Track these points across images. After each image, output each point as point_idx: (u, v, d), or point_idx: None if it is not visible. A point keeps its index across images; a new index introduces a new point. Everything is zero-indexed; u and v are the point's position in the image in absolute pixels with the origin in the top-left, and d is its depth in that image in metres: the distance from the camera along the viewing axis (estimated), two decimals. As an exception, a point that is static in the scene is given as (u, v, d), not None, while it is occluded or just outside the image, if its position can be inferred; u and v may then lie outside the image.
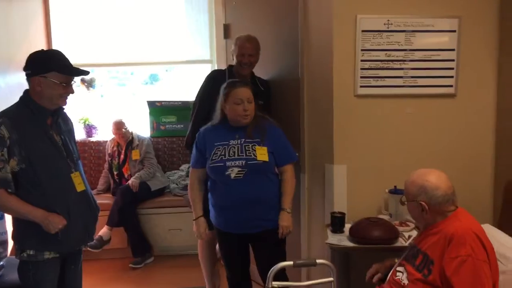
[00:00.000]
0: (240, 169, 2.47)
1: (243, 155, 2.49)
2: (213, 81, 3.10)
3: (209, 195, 2.62)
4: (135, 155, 4.43)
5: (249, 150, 2.51)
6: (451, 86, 2.87)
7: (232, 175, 2.46)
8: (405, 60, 2.84)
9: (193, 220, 2.65)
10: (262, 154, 2.51)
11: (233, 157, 2.48)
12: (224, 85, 2.57)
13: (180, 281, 3.83)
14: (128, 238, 4.25)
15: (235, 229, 2.57)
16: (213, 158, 2.50)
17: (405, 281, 1.98)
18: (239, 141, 2.53)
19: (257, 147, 2.52)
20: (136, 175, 4.33)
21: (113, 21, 4.69)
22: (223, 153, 2.50)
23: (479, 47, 2.87)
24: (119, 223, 4.16)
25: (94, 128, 4.86)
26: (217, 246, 3.14)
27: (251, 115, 2.53)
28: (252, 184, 2.49)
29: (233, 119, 2.53)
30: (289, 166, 2.59)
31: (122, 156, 4.46)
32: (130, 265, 4.13)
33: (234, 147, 2.51)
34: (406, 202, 2.05)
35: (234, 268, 2.70)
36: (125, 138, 4.45)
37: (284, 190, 2.58)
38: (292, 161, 2.63)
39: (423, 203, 1.94)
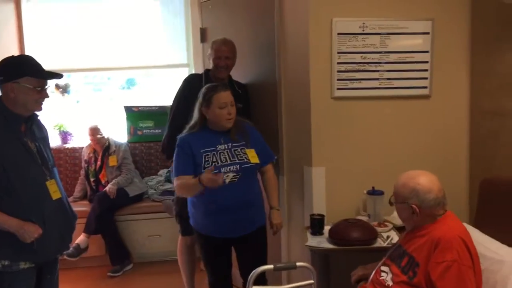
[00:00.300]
0: (235, 174, 2.46)
1: (235, 160, 2.48)
2: (190, 85, 3.09)
3: (193, 201, 2.57)
4: (112, 161, 4.38)
5: (240, 154, 2.51)
6: (425, 87, 2.92)
7: (227, 180, 2.44)
8: (380, 62, 2.87)
9: (199, 182, 2.35)
10: (253, 156, 2.53)
11: (226, 163, 2.46)
12: (204, 90, 2.53)
13: (160, 288, 3.79)
14: (106, 246, 4.18)
15: (223, 233, 2.54)
16: (206, 166, 2.45)
17: (390, 283, 1.98)
18: (226, 145, 2.51)
19: (246, 150, 2.53)
20: (114, 181, 4.27)
21: (88, 25, 4.62)
22: (214, 160, 2.46)
23: (452, 49, 2.92)
24: (96, 231, 4.09)
25: (70, 134, 4.77)
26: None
27: (234, 119, 2.52)
28: (245, 187, 2.52)
29: (217, 123, 2.51)
30: (270, 165, 2.64)
31: (98, 163, 4.39)
32: (109, 273, 4.07)
33: (224, 152, 2.49)
34: (394, 203, 2.03)
35: (218, 272, 2.66)
36: (101, 144, 4.39)
37: (270, 189, 2.64)
38: (272, 160, 2.69)
39: (414, 206, 1.93)
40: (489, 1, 2.72)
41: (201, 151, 2.48)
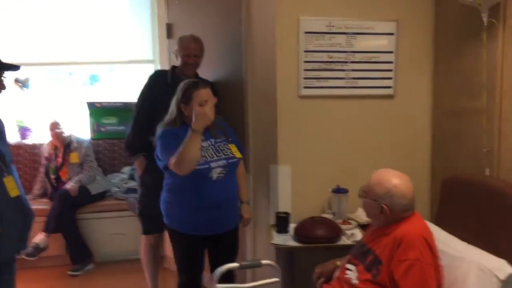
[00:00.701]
0: (222, 169, 2.43)
1: (221, 155, 2.46)
2: (155, 82, 3.05)
3: (172, 199, 2.49)
4: (74, 158, 4.27)
5: (225, 149, 2.49)
6: (390, 87, 2.97)
7: (215, 176, 2.41)
8: (346, 62, 2.90)
9: (194, 133, 2.28)
10: (236, 151, 2.52)
11: (214, 158, 2.43)
12: (184, 86, 2.45)
13: (123, 288, 3.72)
14: (67, 245, 4.07)
15: (205, 231, 2.49)
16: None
17: (355, 280, 1.99)
18: (208, 142, 2.48)
19: (229, 145, 2.52)
20: (75, 178, 4.17)
21: (50, 18, 4.48)
22: (203, 154, 2.41)
23: (416, 50, 2.98)
24: (56, 229, 3.97)
25: (29, 130, 4.62)
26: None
27: (213, 115, 2.46)
28: (229, 182, 2.50)
29: None
30: (241, 160, 2.61)
31: (59, 160, 4.28)
32: (69, 272, 3.96)
33: (209, 149, 2.46)
34: (363, 197, 2.03)
35: (192, 271, 2.58)
36: (61, 140, 4.28)
37: (241, 183, 2.63)
38: (244, 154, 2.66)
39: (385, 206, 1.93)
40: (452, 3, 2.78)
41: None
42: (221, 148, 2.49)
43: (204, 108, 2.35)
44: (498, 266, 1.90)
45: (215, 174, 2.40)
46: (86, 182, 4.21)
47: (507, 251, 1.96)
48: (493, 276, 1.89)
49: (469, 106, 2.66)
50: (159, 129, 2.47)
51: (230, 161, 2.47)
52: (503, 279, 1.86)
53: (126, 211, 4.22)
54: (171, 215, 2.50)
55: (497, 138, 2.45)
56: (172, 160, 2.32)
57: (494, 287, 1.88)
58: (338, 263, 2.25)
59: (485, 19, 2.34)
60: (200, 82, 2.48)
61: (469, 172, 2.58)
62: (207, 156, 2.42)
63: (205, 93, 2.41)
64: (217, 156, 2.44)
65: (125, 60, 4.73)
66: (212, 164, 2.40)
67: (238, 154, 2.52)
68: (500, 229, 2.03)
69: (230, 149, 2.51)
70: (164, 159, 2.39)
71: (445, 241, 2.19)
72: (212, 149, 2.46)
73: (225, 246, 2.60)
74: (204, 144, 2.45)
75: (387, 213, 1.93)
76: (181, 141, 2.34)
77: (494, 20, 2.37)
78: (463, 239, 2.17)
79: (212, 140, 2.50)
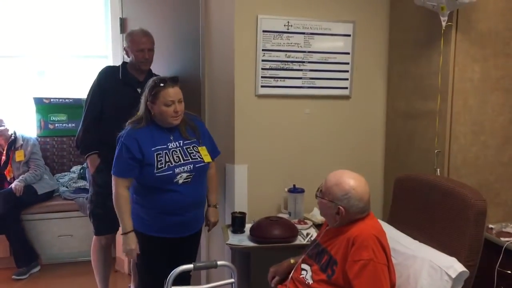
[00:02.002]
0: (188, 174, 2.35)
1: (189, 159, 2.37)
2: (105, 78, 2.95)
3: (141, 202, 2.39)
4: (19, 156, 4.09)
5: (193, 153, 2.40)
6: (346, 88, 3.00)
7: (181, 181, 2.33)
8: (304, 62, 2.91)
9: (123, 234, 2.34)
10: (205, 155, 2.44)
11: (179, 163, 2.34)
12: (151, 83, 2.35)
13: (71, 291, 3.59)
14: (11, 247, 3.89)
15: (172, 234, 2.42)
16: (159, 166, 2.30)
17: (310, 281, 1.99)
18: (177, 143, 2.39)
19: (199, 148, 2.43)
20: (21, 177, 3.99)
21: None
22: (167, 160, 2.32)
23: (372, 52, 3.04)
24: (0, 231, 3.79)
25: (-29, 126, 4.38)
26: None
27: (182, 115, 2.38)
28: (198, 186, 2.43)
29: (163, 120, 2.35)
30: (213, 162, 2.55)
31: (3, 157, 4.09)
32: (13, 276, 3.79)
33: (176, 151, 2.36)
34: (320, 197, 2.02)
35: (158, 274, 2.44)
36: (5, 137, 4.10)
37: (212, 186, 2.58)
38: (218, 155, 2.60)
39: (341, 208, 1.92)
40: (406, 6, 2.84)
41: (152, 149, 2.32)
42: (190, 151, 2.40)
43: (134, 251, 2.35)
44: (449, 264, 1.94)
45: (180, 179, 2.34)
46: (32, 181, 4.04)
47: (456, 250, 2.01)
48: (444, 274, 1.92)
49: (421, 108, 2.73)
50: (126, 126, 2.38)
51: (197, 165, 2.39)
52: (454, 277, 1.91)
53: (75, 211, 4.11)
54: (136, 215, 2.40)
55: (448, 139, 2.52)
56: (114, 182, 2.33)
57: (446, 285, 1.92)
58: (292, 261, 2.25)
59: (444, 23, 2.40)
60: (169, 80, 2.35)
61: (420, 171, 2.64)
62: (171, 160, 2.33)
63: (172, 92, 2.31)
64: (183, 160, 2.36)
65: (77, 55, 4.57)
66: (177, 170, 2.33)
67: (207, 158, 2.44)
68: (449, 228, 2.08)
69: (199, 153, 2.42)
70: (113, 171, 2.34)
71: (398, 240, 2.22)
72: (180, 151, 2.38)
73: (189, 247, 2.55)
74: (172, 145, 2.37)
75: (343, 215, 1.93)
76: (138, 150, 2.28)
77: (451, 23, 2.43)
78: (415, 237, 2.21)
79: (181, 141, 2.41)
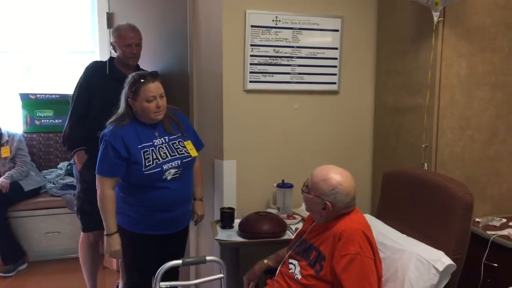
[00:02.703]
0: (176, 170, 2.33)
1: (175, 155, 2.35)
2: (92, 73, 2.93)
3: (127, 199, 2.37)
4: (5, 152, 4.04)
5: (179, 148, 2.38)
6: (334, 83, 3.00)
7: (169, 177, 2.32)
8: (292, 57, 2.90)
9: (106, 235, 2.31)
10: (191, 149, 2.42)
11: (167, 159, 2.32)
12: (130, 80, 2.31)
13: (58, 288, 3.57)
14: (-3, 244, 3.85)
15: (160, 230, 2.40)
16: (147, 164, 2.27)
17: (299, 276, 2.00)
18: (162, 139, 2.36)
19: (184, 142, 2.41)
20: (7, 174, 3.95)
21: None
22: (155, 157, 2.29)
23: (360, 47, 3.04)
24: (-15, 228, 3.75)
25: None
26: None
27: (164, 110, 2.35)
28: (186, 181, 2.42)
29: (146, 117, 2.32)
30: (198, 155, 2.51)
31: (-11, 154, 4.03)
32: (0, 273, 3.76)
33: (162, 147, 2.34)
34: (306, 193, 2.02)
35: (146, 271, 2.46)
36: (-10, 134, 4.04)
37: (197, 180, 2.56)
38: (202, 147, 2.58)
39: (328, 203, 1.93)
40: (394, 2, 2.85)
41: (138, 147, 2.29)
42: (176, 147, 2.38)
43: (118, 253, 2.33)
44: (437, 257, 1.96)
45: (169, 175, 2.32)
46: (19, 178, 4.00)
47: (443, 243, 2.03)
48: (431, 267, 1.94)
49: (409, 103, 2.74)
50: (107, 125, 2.34)
51: (185, 160, 2.38)
52: (441, 270, 1.92)
53: (62, 208, 4.08)
54: (123, 213, 2.37)
55: (435, 134, 2.54)
56: (99, 183, 2.29)
57: (433, 278, 1.94)
58: (266, 261, 2.27)
59: (435, 18, 2.40)
60: (148, 75, 2.32)
61: (408, 166, 2.65)
62: (159, 157, 2.31)
63: (153, 88, 2.28)
64: (171, 156, 2.34)
65: (63, 50, 4.52)
66: (165, 166, 2.31)
67: (193, 152, 2.43)
68: (436, 221, 2.10)
69: (185, 147, 2.41)
70: (98, 171, 2.29)
71: (386, 234, 2.24)
72: (166, 147, 2.36)
73: (176, 244, 2.53)
74: (157, 142, 2.35)
75: (330, 210, 1.94)
76: (125, 149, 2.25)
77: (442, 19, 2.43)
78: (403, 231, 2.23)
79: (167, 137, 2.39)
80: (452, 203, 2.01)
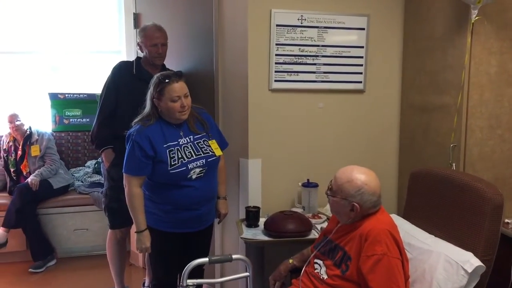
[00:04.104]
0: (201, 169, 2.36)
1: (200, 154, 2.37)
2: (119, 73, 2.97)
3: (152, 197, 2.40)
4: (35, 151, 4.14)
5: (204, 147, 2.40)
6: (360, 82, 2.98)
7: (194, 176, 2.34)
8: (317, 56, 2.89)
9: (136, 232, 2.36)
10: (216, 148, 2.44)
11: (192, 158, 2.34)
12: (155, 80, 2.34)
13: (86, 284, 3.64)
14: (27, 240, 3.95)
15: (185, 228, 2.43)
16: (173, 163, 2.30)
17: (324, 276, 1.99)
18: (187, 138, 2.39)
19: (209, 141, 2.44)
20: (36, 172, 4.04)
21: (13, 5, 4.30)
22: (180, 156, 2.33)
23: (386, 45, 3.01)
24: (16, 225, 3.85)
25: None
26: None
27: (189, 110, 2.38)
28: (211, 180, 2.45)
29: (171, 116, 2.35)
30: (222, 154, 2.53)
31: (19, 152, 4.13)
32: (30, 269, 3.84)
33: (187, 147, 2.37)
34: (331, 196, 2.00)
35: (173, 269, 2.51)
36: (21, 132, 4.14)
37: (221, 178, 2.58)
38: (226, 147, 2.59)
39: (356, 204, 1.91)
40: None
41: (164, 146, 2.32)
42: (201, 146, 2.41)
43: (147, 246, 2.37)
44: (465, 258, 1.93)
45: (194, 174, 2.34)
46: (48, 176, 4.08)
47: (472, 244, 2.00)
48: (460, 269, 1.91)
49: (436, 102, 2.70)
50: (133, 125, 2.38)
51: (210, 160, 2.40)
52: (470, 271, 1.89)
53: (90, 205, 4.15)
54: (149, 212, 2.40)
55: (464, 133, 2.49)
56: (127, 182, 2.33)
57: (462, 280, 1.91)
58: (291, 261, 2.26)
59: (473, 17, 2.35)
60: (173, 76, 2.34)
61: (435, 166, 2.62)
62: (184, 157, 2.34)
63: (178, 88, 2.31)
64: (196, 155, 2.37)
65: (90, 50, 4.60)
66: (190, 165, 2.33)
67: (218, 152, 2.45)
68: (465, 222, 2.06)
69: (210, 146, 2.43)
70: (125, 170, 2.33)
71: (413, 234, 2.22)
72: (191, 147, 2.38)
73: (202, 241, 2.57)
74: (183, 141, 2.37)
75: (358, 211, 1.92)
76: (151, 148, 2.28)
77: (480, 17, 2.38)
78: (430, 232, 2.20)
79: (191, 136, 2.41)
80: (482, 204, 1.98)
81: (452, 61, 2.55)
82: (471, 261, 1.91)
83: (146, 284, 3.35)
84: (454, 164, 2.52)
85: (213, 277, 3.04)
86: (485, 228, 1.96)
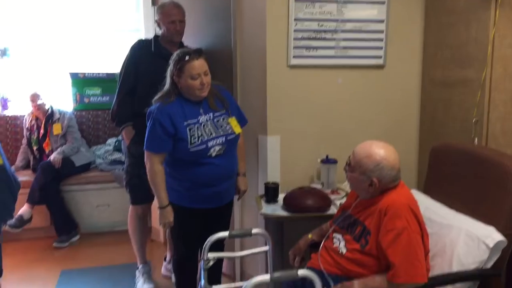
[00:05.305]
0: (220, 147, 2.37)
1: (220, 132, 2.39)
2: (138, 51, 2.99)
3: (174, 174, 2.42)
4: (57, 129, 4.20)
5: (224, 125, 2.42)
6: (380, 57, 2.94)
7: (214, 154, 2.36)
8: (336, 31, 2.85)
9: (160, 208, 2.39)
10: (235, 125, 2.45)
11: (212, 136, 2.36)
12: (175, 57, 2.34)
13: (109, 259, 3.71)
14: (51, 216, 4.03)
15: (206, 204, 2.46)
16: (193, 141, 2.32)
17: (343, 250, 2.00)
18: (207, 116, 2.40)
19: (229, 119, 2.44)
20: (59, 150, 4.11)
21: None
22: (200, 134, 2.34)
23: (407, 20, 2.95)
24: (40, 201, 3.93)
25: (8, 101, 4.51)
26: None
27: (209, 87, 2.38)
28: (230, 157, 2.46)
29: (190, 94, 2.36)
30: (241, 131, 2.54)
31: (41, 131, 4.21)
32: (54, 244, 3.94)
33: (207, 124, 2.38)
34: (350, 171, 1.99)
35: (194, 244, 2.55)
36: (43, 111, 4.21)
37: (240, 155, 2.59)
38: (245, 124, 2.60)
39: (375, 179, 1.91)
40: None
41: (184, 124, 2.34)
42: (220, 124, 2.41)
43: (170, 219, 2.39)
44: (487, 233, 1.92)
45: (213, 152, 2.36)
46: (70, 154, 4.15)
47: (493, 219, 1.98)
48: (481, 243, 1.91)
49: (458, 77, 2.65)
50: (154, 103, 2.39)
51: (229, 137, 2.41)
52: (491, 246, 1.89)
53: (111, 182, 4.21)
54: (170, 188, 2.43)
55: (487, 108, 2.45)
56: (148, 159, 2.35)
57: (483, 254, 1.91)
58: (310, 236, 2.28)
59: None
60: (193, 53, 2.33)
61: (457, 141, 2.59)
62: (204, 134, 2.35)
63: (197, 66, 2.30)
64: (215, 133, 2.38)
65: (109, 29, 4.61)
66: (210, 143, 2.35)
67: (237, 129, 2.45)
68: (487, 197, 2.05)
69: (230, 124, 2.43)
70: (146, 147, 2.36)
71: (434, 209, 2.21)
72: (211, 125, 2.39)
73: (223, 217, 2.60)
74: (202, 119, 2.38)
75: (377, 186, 1.92)
76: (171, 125, 2.29)
77: None
78: (451, 207, 2.19)
79: (211, 114, 2.42)
80: (504, 178, 1.96)
81: (475, 34, 2.49)
82: (492, 236, 1.90)
83: (167, 259, 3.41)
84: (476, 139, 2.49)
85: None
86: (507, 203, 1.94)
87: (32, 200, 3.91)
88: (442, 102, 2.83)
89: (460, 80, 2.63)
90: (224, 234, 2.09)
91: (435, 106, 2.90)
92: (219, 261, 2.61)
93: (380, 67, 2.96)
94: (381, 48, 2.92)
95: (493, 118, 2.45)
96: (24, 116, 4.36)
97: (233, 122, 2.46)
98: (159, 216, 2.41)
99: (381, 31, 2.90)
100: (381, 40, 2.91)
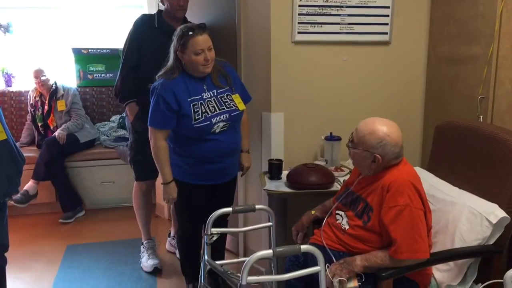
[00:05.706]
0: (224, 123, 2.37)
1: (224, 108, 2.38)
2: (141, 27, 2.95)
3: (178, 151, 2.43)
4: (61, 105, 4.20)
5: (227, 101, 2.41)
6: (386, 33, 2.90)
7: (217, 130, 2.37)
8: (342, 6, 2.81)
9: (163, 184, 2.41)
10: (239, 102, 2.45)
11: (215, 112, 2.35)
12: (179, 33, 2.32)
13: (113, 234, 3.75)
14: (57, 192, 4.07)
15: (210, 181, 2.48)
16: (197, 117, 2.32)
17: (346, 226, 2.01)
18: (211, 92, 2.39)
19: (232, 96, 2.43)
20: (63, 126, 4.12)
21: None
22: (204, 110, 2.33)
23: (414, -5, 2.91)
24: (46, 177, 3.96)
25: (13, 77, 4.51)
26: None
27: (213, 63, 2.36)
28: (234, 133, 2.46)
29: (194, 70, 2.34)
30: (245, 108, 2.53)
31: (46, 107, 4.21)
32: (60, 220, 3.98)
33: (211, 101, 2.37)
34: (352, 148, 1.99)
35: (197, 220, 2.55)
36: (46, 88, 4.20)
37: (244, 132, 2.59)
38: (249, 100, 2.59)
39: (378, 156, 1.90)
40: None
41: (188, 100, 2.33)
42: (224, 100, 2.40)
43: (173, 195, 2.41)
44: (490, 210, 1.92)
45: (217, 128, 2.36)
46: (74, 130, 4.16)
47: (497, 196, 1.98)
48: (484, 220, 1.92)
49: (465, 53, 2.62)
50: (157, 78, 2.38)
51: (233, 114, 2.40)
52: (494, 223, 1.89)
53: (116, 159, 4.23)
54: (174, 164, 2.44)
55: (493, 85, 2.43)
56: (152, 135, 2.36)
57: (485, 231, 1.92)
58: (313, 212, 2.29)
59: None
60: (196, 28, 2.31)
61: (462, 118, 2.57)
62: (208, 111, 2.34)
63: (201, 41, 2.28)
64: (219, 109, 2.37)
65: (113, 5, 4.57)
66: (214, 120, 2.34)
67: (241, 106, 2.45)
68: (491, 174, 2.05)
69: (234, 101, 2.43)
70: (150, 123, 2.36)
71: (437, 186, 2.21)
72: (214, 101, 2.38)
73: (226, 193, 2.61)
74: (206, 95, 2.38)
75: (380, 162, 1.91)
76: (175, 101, 2.28)
77: None
78: (455, 184, 2.19)
79: (215, 90, 2.41)
80: (509, 155, 1.95)
81: (483, 9, 2.45)
82: (495, 213, 1.91)
83: (171, 235, 3.44)
84: (481, 117, 2.47)
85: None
86: (511, 180, 1.94)
87: (37, 176, 3.94)
88: (447, 79, 2.80)
89: (467, 57, 2.60)
90: (227, 209, 2.09)
91: (441, 83, 2.87)
92: (223, 237, 2.63)
93: (385, 43, 2.92)
94: (386, 24, 2.88)
95: (499, 95, 2.43)
96: (28, 92, 4.36)
97: (237, 98, 2.46)
98: (163, 192, 2.43)
99: (387, 7, 2.86)
100: (387, 15, 2.87)
